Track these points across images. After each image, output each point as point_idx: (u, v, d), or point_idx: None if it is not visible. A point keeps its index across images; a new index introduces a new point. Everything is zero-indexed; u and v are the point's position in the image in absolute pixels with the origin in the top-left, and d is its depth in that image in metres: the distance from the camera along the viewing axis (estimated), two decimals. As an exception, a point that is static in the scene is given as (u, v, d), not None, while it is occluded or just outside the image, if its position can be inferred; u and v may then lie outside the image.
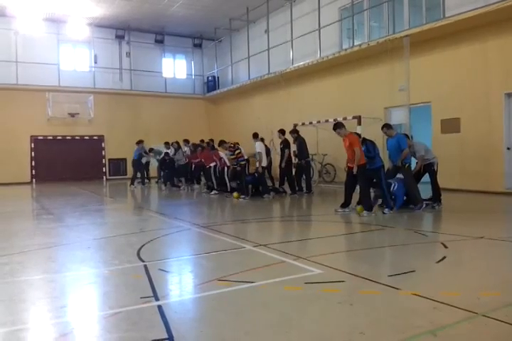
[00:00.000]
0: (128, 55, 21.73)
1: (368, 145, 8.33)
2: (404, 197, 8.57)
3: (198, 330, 2.99)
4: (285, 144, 11.95)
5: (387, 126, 8.60)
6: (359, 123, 12.41)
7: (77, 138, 20.63)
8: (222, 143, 12.52)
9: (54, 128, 20.05)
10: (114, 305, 3.48)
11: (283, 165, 11.81)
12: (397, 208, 8.26)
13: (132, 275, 4.31)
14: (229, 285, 3.88)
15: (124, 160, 20.92)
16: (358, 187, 8.43)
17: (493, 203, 9.81)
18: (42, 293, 3.92)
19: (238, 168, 11.61)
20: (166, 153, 15.82)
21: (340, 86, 15.11)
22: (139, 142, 16.53)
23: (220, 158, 12.72)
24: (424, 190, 8.92)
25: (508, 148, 10.74)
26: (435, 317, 3.03)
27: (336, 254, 5.21)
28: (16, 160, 19.06)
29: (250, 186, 11.57)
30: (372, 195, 8.32)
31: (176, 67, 23.41)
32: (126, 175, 21.01)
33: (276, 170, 13.83)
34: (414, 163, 8.88)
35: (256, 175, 11.46)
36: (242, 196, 11.20)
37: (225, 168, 12.54)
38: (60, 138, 20.30)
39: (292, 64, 16.36)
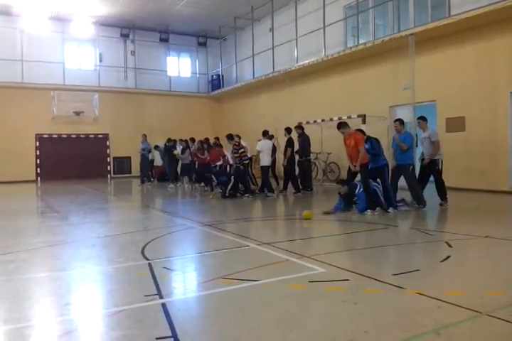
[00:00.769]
0: (133, 53, 21.77)
1: (373, 142, 8.35)
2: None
3: (202, 328, 3.00)
4: (289, 143, 11.94)
5: (400, 121, 8.61)
6: (364, 122, 12.38)
7: (81, 136, 20.71)
8: (230, 136, 12.19)
9: (59, 127, 20.13)
10: (118, 302, 3.49)
11: (285, 163, 11.82)
12: (361, 211, 7.90)
13: (136, 273, 4.32)
14: (233, 283, 3.88)
15: (129, 158, 20.98)
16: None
17: (498, 202, 9.77)
18: (47, 290, 3.94)
19: (241, 167, 11.57)
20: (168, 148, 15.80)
21: (345, 84, 15.07)
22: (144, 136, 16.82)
23: (224, 156, 12.66)
24: (427, 190, 8.91)
25: (514, 147, 10.70)
26: (439, 316, 3.02)
27: (340, 253, 5.20)
28: (21, 158, 19.15)
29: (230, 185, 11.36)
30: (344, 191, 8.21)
31: (180, 66, 23.44)
32: (130, 173, 21.11)
33: (280, 169, 13.83)
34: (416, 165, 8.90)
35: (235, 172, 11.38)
36: (246, 195, 11.20)
37: (228, 166, 12.40)
38: (64, 136, 20.37)
39: (297, 62, 16.33)
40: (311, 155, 12.80)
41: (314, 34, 15.62)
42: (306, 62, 15.65)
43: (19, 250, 5.46)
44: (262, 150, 11.80)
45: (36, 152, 19.86)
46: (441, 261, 4.56)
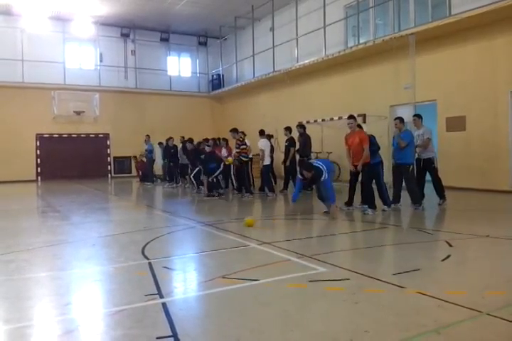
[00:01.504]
0: (133, 53, 21.77)
1: (371, 138, 8.38)
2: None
3: (202, 328, 3.00)
4: (291, 142, 11.93)
5: (400, 119, 8.61)
6: (364, 121, 12.37)
7: (82, 136, 20.72)
8: (235, 130, 11.80)
9: (59, 126, 20.14)
10: (118, 302, 3.50)
11: (288, 163, 11.79)
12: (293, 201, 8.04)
13: (137, 273, 4.32)
14: (233, 283, 3.88)
15: (129, 158, 20.99)
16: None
17: (499, 202, 9.77)
18: (47, 290, 3.94)
19: (236, 163, 11.46)
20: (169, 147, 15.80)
21: (346, 84, 15.07)
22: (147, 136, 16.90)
23: (220, 151, 12.56)
24: (426, 189, 8.91)
25: (514, 147, 10.69)
26: (440, 316, 3.02)
27: (341, 252, 5.20)
28: (21, 158, 19.15)
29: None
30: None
31: (181, 66, 23.43)
32: (131, 173, 21.11)
33: (279, 169, 13.83)
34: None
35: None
36: (246, 194, 11.18)
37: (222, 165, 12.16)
38: (65, 136, 20.38)
39: (297, 62, 16.32)
40: (312, 154, 12.79)
41: (315, 34, 15.61)
42: (307, 61, 15.65)
43: (20, 250, 5.46)
44: (265, 150, 11.79)
45: (37, 152, 19.87)
46: (442, 261, 4.56)
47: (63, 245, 5.83)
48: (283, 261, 4.63)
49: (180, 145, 14.97)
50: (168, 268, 4.50)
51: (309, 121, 14.24)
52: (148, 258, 4.86)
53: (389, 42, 12.35)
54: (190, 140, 13.35)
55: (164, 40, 22.25)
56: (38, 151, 19.89)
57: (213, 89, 22.75)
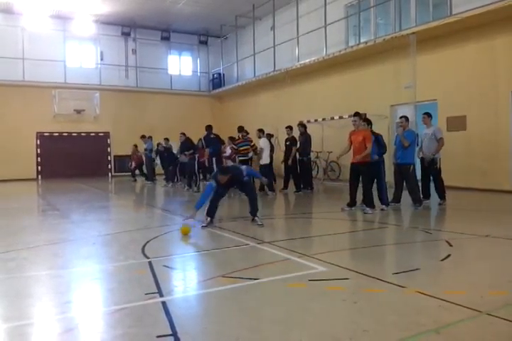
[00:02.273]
0: (134, 52, 21.77)
1: (379, 138, 8.47)
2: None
3: (202, 326, 3.00)
4: (292, 141, 11.92)
5: (405, 118, 8.62)
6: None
7: (82, 134, 20.72)
8: (242, 128, 11.92)
9: (60, 125, 20.15)
10: (118, 301, 3.50)
11: (289, 162, 11.77)
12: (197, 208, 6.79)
13: (137, 272, 4.32)
14: (233, 281, 3.88)
15: (130, 156, 20.95)
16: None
17: (499, 201, 9.76)
18: (47, 288, 3.95)
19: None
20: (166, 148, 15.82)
21: (346, 83, 15.06)
22: (149, 137, 16.89)
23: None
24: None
25: (515, 146, 10.69)
26: (439, 316, 3.02)
27: (341, 252, 5.20)
28: (21, 156, 19.15)
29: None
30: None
31: (181, 64, 23.43)
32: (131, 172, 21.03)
33: (279, 167, 13.83)
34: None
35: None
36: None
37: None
38: (65, 134, 20.39)
39: (298, 61, 16.31)
40: (312, 154, 12.79)
41: (315, 33, 15.59)
42: (307, 60, 15.64)
43: (20, 248, 5.46)
44: (264, 148, 11.80)
45: (37, 150, 19.87)
46: (442, 260, 4.56)
47: (63, 243, 5.83)
48: (283, 260, 4.63)
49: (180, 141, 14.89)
50: (168, 267, 4.50)
51: (310, 121, 14.23)
52: (148, 257, 4.86)
53: (390, 42, 12.35)
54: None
55: (165, 38, 22.25)
56: (39, 150, 19.89)
57: (214, 88, 22.75)
